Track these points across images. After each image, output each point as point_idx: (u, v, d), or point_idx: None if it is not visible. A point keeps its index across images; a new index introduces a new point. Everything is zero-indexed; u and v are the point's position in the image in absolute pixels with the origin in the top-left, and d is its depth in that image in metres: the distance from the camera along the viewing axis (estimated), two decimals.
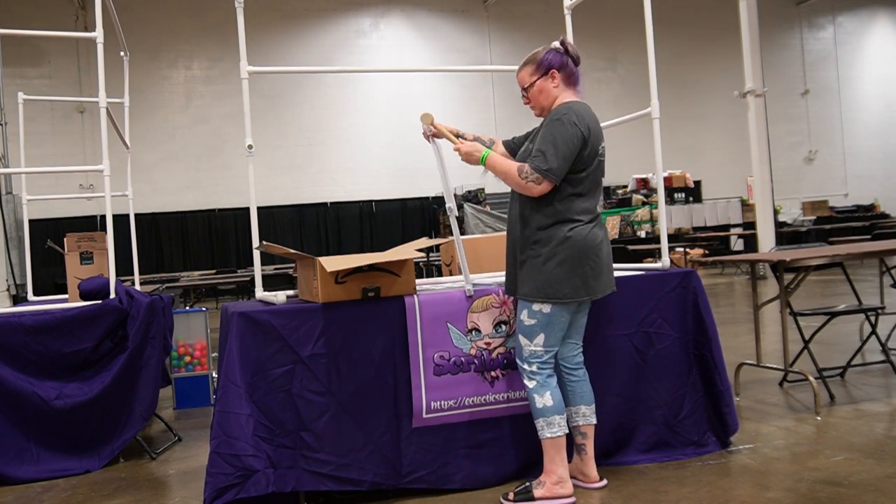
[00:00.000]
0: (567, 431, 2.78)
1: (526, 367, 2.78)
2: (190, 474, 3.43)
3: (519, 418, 2.99)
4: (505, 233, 3.03)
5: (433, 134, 2.98)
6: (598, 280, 2.74)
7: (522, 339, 2.78)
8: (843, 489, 2.71)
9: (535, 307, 2.73)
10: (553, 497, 2.73)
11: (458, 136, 3.02)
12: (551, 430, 2.73)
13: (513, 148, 3.07)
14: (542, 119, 2.87)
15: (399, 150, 17.34)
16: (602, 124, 3.79)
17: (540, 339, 2.75)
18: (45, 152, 13.91)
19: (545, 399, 2.73)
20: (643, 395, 3.15)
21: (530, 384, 2.76)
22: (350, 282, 2.84)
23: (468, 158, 2.89)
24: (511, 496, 2.77)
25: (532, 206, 2.76)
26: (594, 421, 2.89)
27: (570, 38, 3.98)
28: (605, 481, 2.89)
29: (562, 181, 2.69)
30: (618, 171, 16.92)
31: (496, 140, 3.14)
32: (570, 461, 2.92)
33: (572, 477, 2.87)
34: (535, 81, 2.84)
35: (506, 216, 3.09)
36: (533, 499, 2.73)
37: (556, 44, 2.87)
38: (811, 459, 3.07)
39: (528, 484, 2.79)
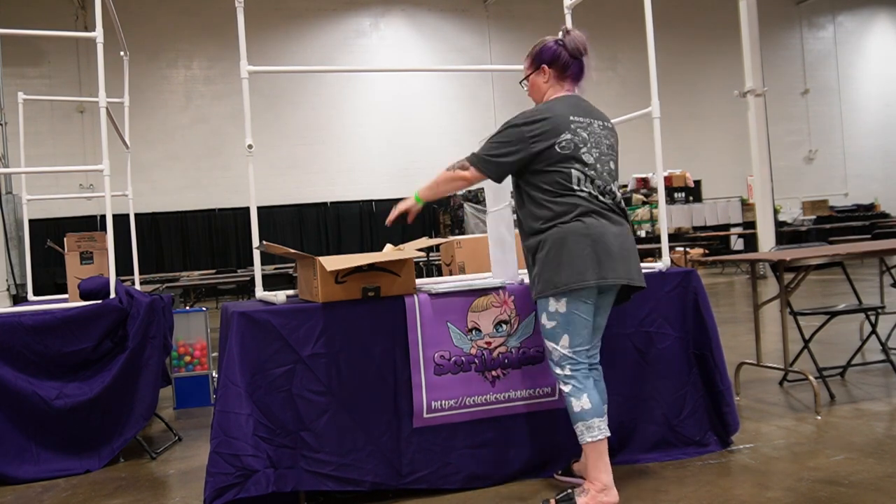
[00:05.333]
0: (608, 434, 2.66)
1: (559, 371, 2.68)
2: (190, 474, 3.43)
3: (520, 418, 3.00)
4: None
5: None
6: (604, 266, 2.58)
7: (549, 344, 2.70)
8: (844, 489, 2.71)
9: (552, 308, 2.65)
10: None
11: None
12: (591, 434, 2.61)
13: None
14: None
15: (399, 150, 17.34)
16: None
17: (565, 340, 2.65)
18: (44, 152, 13.90)
19: (582, 402, 2.62)
20: (644, 394, 3.15)
21: (565, 388, 2.66)
22: (350, 281, 2.83)
23: (406, 207, 2.91)
24: (552, 503, 2.67)
25: (522, 214, 2.76)
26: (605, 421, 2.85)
27: None
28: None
29: (533, 186, 2.68)
30: (618, 171, 16.93)
31: None
32: (578, 460, 2.93)
33: (581, 475, 2.86)
34: (528, 76, 2.84)
35: None
36: None
37: (561, 33, 2.82)
38: (811, 459, 3.07)
39: (569, 491, 2.68)
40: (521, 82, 2.90)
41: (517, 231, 3.11)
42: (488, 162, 2.70)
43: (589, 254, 2.59)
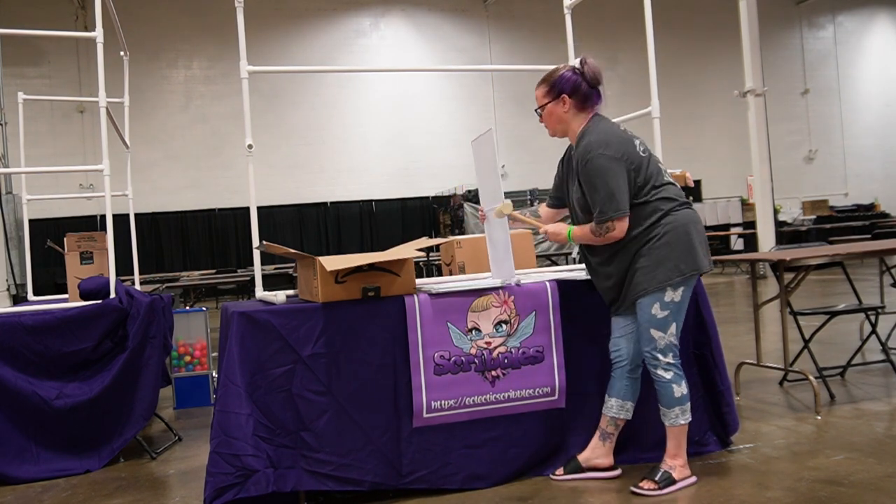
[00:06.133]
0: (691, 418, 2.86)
1: (662, 358, 2.79)
2: (190, 474, 3.43)
3: (520, 418, 2.99)
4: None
5: (509, 218, 2.98)
6: (707, 253, 2.80)
7: (656, 333, 2.77)
8: (844, 488, 2.71)
9: (667, 297, 2.74)
10: (686, 478, 2.83)
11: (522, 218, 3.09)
12: (685, 417, 2.82)
13: (555, 203, 3.12)
14: (554, 138, 2.97)
15: (399, 150, 17.34)
16: None
17: (673, 328, 2.78)
18: (44, 152, 13.90)
19: (682, 388, 2.81)
20: (644, 394, 3.14)
21: (667, 375, 2.79)
22: (350, 281, 2.83)
23: (556, 238, 2.96)
24: (650, 485, 2.76)
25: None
26: (630, 417, 2.97)
27: (569, 37, 3.99)
28: (619, 470, 2.97)
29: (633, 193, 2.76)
30: None
31: (540, 205, 3.24)
32: (582, 450, 2.99)
33: (590, 468, 2.96)
34: (546, 104, 2.89)
35: None
36: (675, 481, 2.80)
37: (577, 61, 2.89)
38: (811, 459, 3.07)
39: (660, 468, 2.83)
40: (536, 110, 2.94)
41: (512, 231, 3.12)
42: (615, 203, 2.68)
43: (700, 241, 2.77)
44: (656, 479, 2.79)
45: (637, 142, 2.82)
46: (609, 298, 2.93)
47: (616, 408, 2.93)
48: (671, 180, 2.83)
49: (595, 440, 2.97)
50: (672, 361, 2.80)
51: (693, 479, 2.85)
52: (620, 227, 2.72)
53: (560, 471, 2.99)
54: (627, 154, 2.73)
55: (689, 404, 2.83)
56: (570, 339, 3.04)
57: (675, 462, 2.83)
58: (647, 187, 2.76)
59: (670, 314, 2.76)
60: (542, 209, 3.19)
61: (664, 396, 2.82)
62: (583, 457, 2.98)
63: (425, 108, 17.58)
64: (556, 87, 2.84)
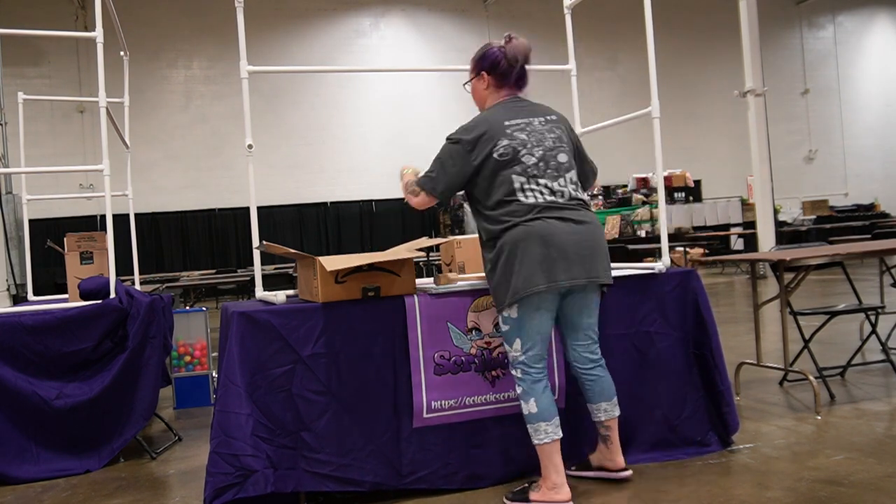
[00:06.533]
0: (558, 437, 2.71)
1: (513, 372, 2.76)
2: (190, 474, 3.43)
3: (520, 418, 2.98)
4: None
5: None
6: (557, 269, 2.58)
7: (506, 346, 2.77)
8: (844, 488, 2.71)
9: (505, 312, 2.70)
10: (546, 501, 2.69)
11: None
12: (538, 437, 2.69)
13: None
14: None
15: (399, 150, 17.30)
16: (602, 124, 3.79)
17: (517, 343, 2.70)
18: (44, 152, 13.90)
19: (529, 406, 2.70)
20: (644, 394, 3.15)
21: (518, 390, 2.75)
22: (350, 281, 2.83)
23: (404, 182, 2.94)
24: (510, 495, 2.78)
25: (477, 226, 2.82)
26: (617, 413, 2.87)
27: (569, 37, 3.99)
28: (630, 471, 2.91)
29: (479, 199, 2.73)
30: (618, 171, 16.91)
31: None
32: (594, 451, 2.96)
33: (600, 468, 2.92)
34: (471, 79, 2.88)
35: None
36: (527, 500, 2.72)
37: (504, 39, 2.81)
38: (811, 459, 3.07)
39: (526, 484, 2.80)
40: (464, 85, 2.95)
41: None
42: (430, 180, 2.75)
43: (538, 258, 2.58)
44: (514, 490, 2.78)
45: (503, 143, 2.66)
46: None
47: (593, 412, 2.89)
48: (519, 198, 2.64)
49: (599, 445, 2.96)
50: (520, 377, 2.72)
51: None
52: (420, 200, 2.78)
53: (574, 467, 3.00)
54: (480, 149, 2.67)
55: (542, 424, 2.67)
56: None
57: (542, 482, 2.72)
58: (493, 198, 2.67)
59: (511, 329, 2.70)
60: None
61: (522, 411, 2.75)
62: (592, 457, 2.98)
63: (425, 108, 17.57)
64: (479, 63, 2.82)
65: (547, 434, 2.68)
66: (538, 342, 2.71)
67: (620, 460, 2.90)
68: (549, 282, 2.58)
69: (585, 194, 2.84)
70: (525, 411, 2.72)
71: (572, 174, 2.76)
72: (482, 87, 2.85)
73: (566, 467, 2.96)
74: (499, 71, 2.78)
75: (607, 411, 2.85)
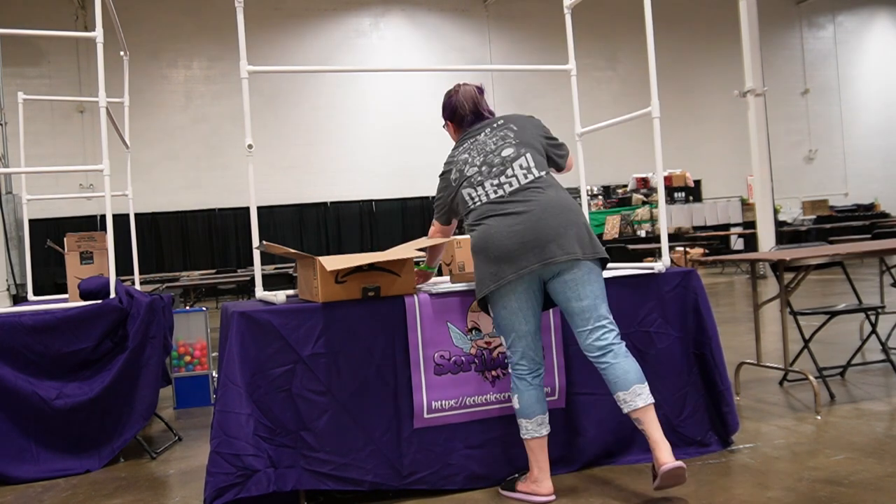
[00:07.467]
0: (540, 435, 2.77)
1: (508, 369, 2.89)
2: (190, 474, 3.43)
3: None
4: None
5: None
6: (495, 271, 2.68)
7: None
8: (844, 488, 2.71)
9: (491, 313, 2.84)
10: (528, 493, 2.79)
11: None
12: (524, 431, 2.79)
13: None
14: None
15: (399, 150, 17.33)
16: (602, 124, 3.80)
17: (502, 339, 2.85)
18: (45, 152, 13.90)
19: (514, 401, 2.81)
20: None
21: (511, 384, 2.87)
22: (350, 281, 2.84)
23: (423, 281, 3.28)
24: (503, 484, 2.92)
25: None
26: (641, 403, 2.61)
27: (569, 37, 3.99)
28: (678, 463, 2.57)
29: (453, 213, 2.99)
30: (618, 171, 16.94)
31: None
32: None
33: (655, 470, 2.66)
34: (444, 125, 3.14)
35: None
36: (514, 490, 2.84)
37: (454, 88, 3.05)
38: (811, 459, 3.07)
39: (517, 475, 2.89)
40: (443, 127, 3.16)
41: None
42: (435, 211, 3.09)
43: (484, 262, 2.74)
44: (507, 479, 2.92)
45: (449, 170, 2.93)
46: None
47: (619, 405, 2.71)
48: (470, 207, 2.83)
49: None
50: (509, 371, 2.85)
51: (541, 499, 2.73)
52: (433, 230, 3.14)
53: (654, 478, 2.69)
54: (448, 184, 2.95)
55: (523, 421, 2.75)
56: (569, 339, 3.03)
57: (528, 475, 2.82)
58: (462, 216, 2.93)
59: (497, 327, 2.85)
60: None
61: None
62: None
63: (425, 108, 17.51)
64: (443, 113, 3.09)
65: (527, 431, 2.78)
66: (516, 339, 2.78)
67: (664, 457, 2.57)
68: (495, 280, 2.71)
69: (547, 171, 2.85)
70: (514, 404, 2.81)
71: (523, 160, 2.80)
72: (451, 132, 3.12)
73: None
74: (457, 117, 3.03)
75: (626, 402, 2.63)
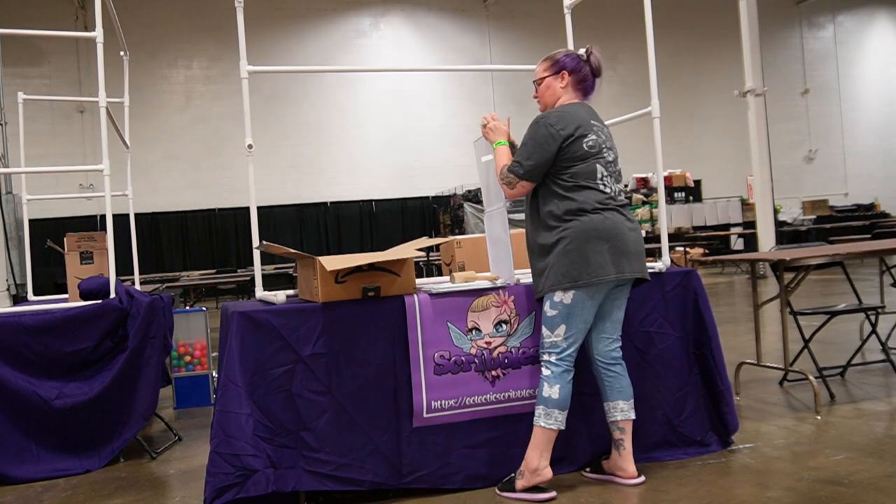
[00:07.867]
0: (562, 428, 2.80)
1: (545, 356, 2.83)
2: (190, 474, 3.43)
3: (520, 418, 2.99)
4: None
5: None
6: (617, 263, 2.76)
7: (544, 331, 2.84)
8: (844, 488, 2.71)
9: (556, 297, 2.78)
10: (533, 490, 2.78)
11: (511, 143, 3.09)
12: (547, 421, 2.78)
13: None
14: None
15: (399, 150, 17.34)
16: None
17: (561, 329, 2.79)
18: (44, 152, 13.90)
19: (553, 390, 2.78)
20: (644, 394, 3.15)
21: (546, 372, 2.82)
22: (350, 281, 2.84)
23: (487, 133, 3.05)
24: (500, 486, 2.88)
25: (537, 209, 2.88)
26: (632, 416, 2.91)
27: (569, 37, 4.00)
28: (642, 477, 2.90)
29: (557, 179, 2.81)
30: None
31: None
32: (608, 458, 2.98)
33: (611, 473, 2.93)
34: (545, 77, 2.96)
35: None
36: (513, 490, 2.81)
37: (582, 50, 2.98)
38: (811, 458, 3.07)
39: (513, 475, 2.86)
40: (534, 81, 3.01)
41: (513, 231, 3.12)
42: (520, 166, 2.82)
43: (607, 249, 2.75)
44: (503, 481, 2.88)
45: (592, 137, 2.82)
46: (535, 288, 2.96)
47: (609, 410, 2.92)
48: (599, 186, 2.81)
49: (612, 451, 2.95)
50: (552, 360, 2.81)
51: (542, 495, 2.77)
52: (517, 191, 2.86)
53: (588, 469, 3.03)
54: (571, 139, 2.79)
55: (556, 412, 2.77)
56: None
57: (526, 467, 2.81)
58: (574, 181, 2.79)
59: (558, 315, 2.79)
60: None
61: (537, 392, 2.84)
62: (605, 463, 2.98)
63: (425, 108, 17.58)
64: (558, 63, 2.95)
65: (557, 421, 2.79)
66: (581, 332, 2.82)
67: (632, 469, 2.90)
68: (618, 273, 2.76)
69: None
70: (545, 393, 2.79)
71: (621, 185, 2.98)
72: (559, 84, 2.96)
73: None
74: (581, 75, 2.95)
75: (624, 411, 2.89)
